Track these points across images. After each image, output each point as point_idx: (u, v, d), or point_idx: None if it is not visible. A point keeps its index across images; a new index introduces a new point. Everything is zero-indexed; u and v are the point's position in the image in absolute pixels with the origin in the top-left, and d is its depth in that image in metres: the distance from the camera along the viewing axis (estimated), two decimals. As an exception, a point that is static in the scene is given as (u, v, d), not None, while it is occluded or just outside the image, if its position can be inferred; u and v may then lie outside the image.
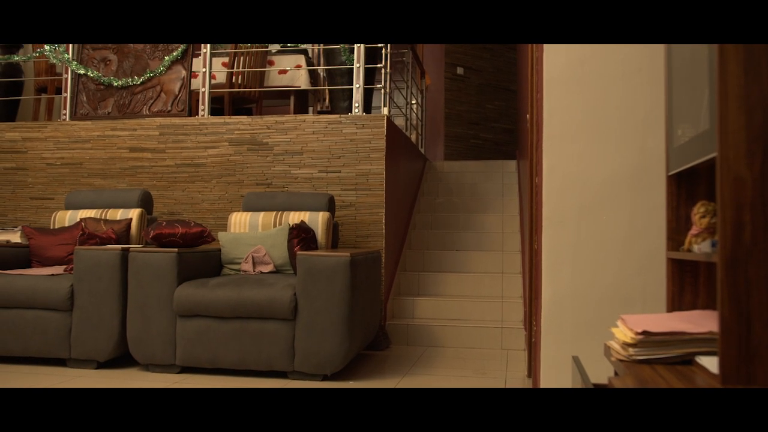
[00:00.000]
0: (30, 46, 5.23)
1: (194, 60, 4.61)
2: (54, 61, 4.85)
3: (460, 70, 7.87)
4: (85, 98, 4.67)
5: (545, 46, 2.43)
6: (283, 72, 5.21)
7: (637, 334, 1.40)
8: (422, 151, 6.40)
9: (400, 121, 5.58)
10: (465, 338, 4.09)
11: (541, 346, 2.34)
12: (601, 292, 2.32)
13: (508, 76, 8.01)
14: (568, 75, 2.41)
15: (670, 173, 1.68)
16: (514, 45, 7.73)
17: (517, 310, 4.28)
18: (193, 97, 4.58)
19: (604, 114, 2.36)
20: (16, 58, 4.95)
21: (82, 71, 4.65)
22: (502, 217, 5.43)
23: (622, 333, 1.49)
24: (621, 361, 1.44)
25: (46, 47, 4.71)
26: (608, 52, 2.35)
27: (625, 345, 1.45)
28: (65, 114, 4.67)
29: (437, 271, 4.79)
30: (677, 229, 1.70)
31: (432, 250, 5.05)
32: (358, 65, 4.33)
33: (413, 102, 5.90)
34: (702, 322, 1.43)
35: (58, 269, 3.56)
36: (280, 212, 3.76)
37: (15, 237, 3.99)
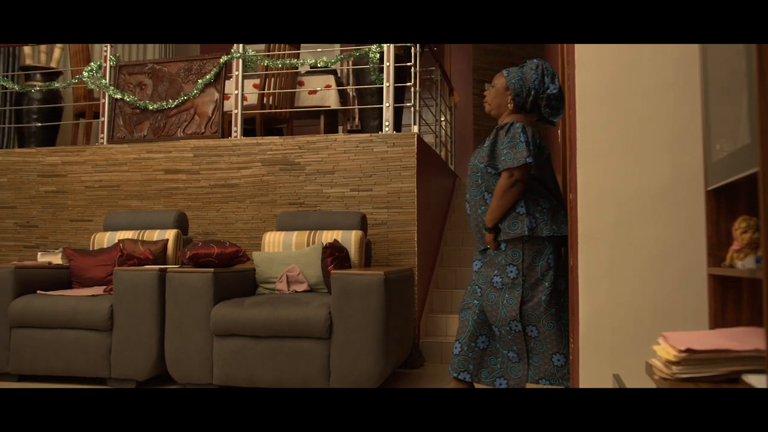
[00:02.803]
0: (69, 72, 5.40)
1: (226, 82, 4.70)
2: (92, 87, 4.98)
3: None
4: (121, 122, 4.78)
5: (577, 61, 2.43)
6: (313, 92, 5.28)
7: (681, 351, 1.39)
8: (452, 167, 6.41)
9: (429, 138, 5.60)
10: (499, 356, 4.05)
11: (579, 364, 2.32)
12: (640, 308, 2.29)
13: (536, 91, 7.99)
14: (600, 90, 2.40)
15: (710, 188, 1.67)
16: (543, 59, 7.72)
17: (551, 326, 4.23)
18: (225, 118, 4.67)
19: (638, 129, 2.35)
20: (56, 85, 5.10)
21: (118, 96, 4.77)
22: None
23: (665, 351, 1.48)
24: (664, 379, 1.42)
25: (85, 73, 4.84)
26: (640, 67, 2.34)
27: (668, 363, 1.43)
28: (103, 138, 4.79)
29: (469, 288, 4.77)
30: (717, 244, 1.68)
31: (464, 266, 5.03)
32: (387, 84, 4.37)
33: (442, 119, 5.92)
34: (747, 339, 1.41)
35: (98, 290, 3.63)
36: (313, 231, 3.79)
37: (56, 258, 4.09)
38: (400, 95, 4.54)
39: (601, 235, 2.34)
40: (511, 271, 2.64)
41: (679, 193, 2.27)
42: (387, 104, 4.35)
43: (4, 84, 5.04)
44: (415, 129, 4.35)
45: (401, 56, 4.53)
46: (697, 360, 1.38)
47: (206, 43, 6.56)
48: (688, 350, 1.38)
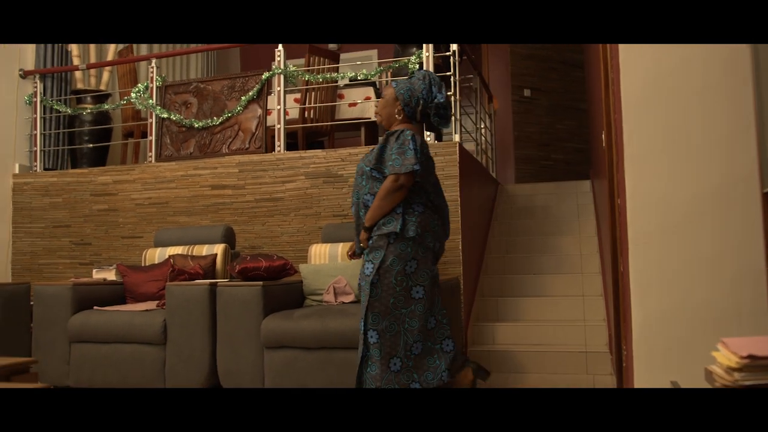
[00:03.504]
0: (117, 94, 5.57)
1: (268, 98, 4.78)
2: (139, 107, 5.13)
3: (527, 92, 7.83)
4: (168, 140, 4.91)
5: (621, 65, 2.41)
6: (353, 104, 5.33)
7: (742, 358, 1.36)
8: (493, 174, 6.38)
9: (470, 146, 5.60)
10: (548, 364, 4.01)
11: (634, 371, 2.29)
12: (694, 313, 2.25)
13: (577, 95, 7.90)
14: (646, 93, 2.38)
15: (766, 190, 1.64)
16: (581, 63, 7.65)
17: (600, 333, 4.18)
18: (268, 133, 4.75)
19: (686, 131, 2.31)
20: (106, 107, 5.27)
21: (165, 115, 4.90)
22: (579, 239, 5.33)
23: (725, 357, 1.45)
24: (726, 386, 1.40)
25: (132, 94, 4.99)
26: (686, 68, 2.31)
27: (730, 370, 1.40)
28: (151, 156, 4.92)
29: (516, 296, 4.74)
30: (776, 247, 1.64)
31: (509, 274, 5.00)
32: (427, 94, 4.38)
33: (482, 126, 5.91)
34: (812, 344, 1.38)
35: (151, 305, 3.73)
36: (352, 243, 3.82)
37: (110, 275, 4.21)
38: (440, 104, 4.55)
39: (651, 240, 2.30)
40: (368, 268, 2.71)
41: (732, 195, 2.22)
42: (427, 114, 4.36)
43: (58, 108, 5.23)
44: (457, 138, 4.35)
45: (440, 65, 4.55)
46: (760, 366, 1.35)
47: (247, 44, 6.59)
48: (750, 356, 1.35)
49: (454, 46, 4.48)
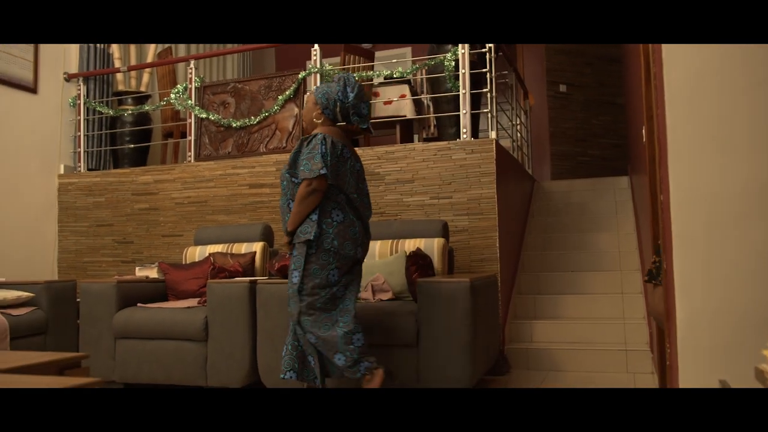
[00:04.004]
0: (157, 95, 5.67)
1: (305, 97, 4.82)
2: (179, 108, 5.23)
3: (562, 88, 7.75)
4: (207, 140, 4.99)
5: (664, 59, 2.38)
6: (388, 103, 5.34)
7: (797, 356, 1.34)
8: (529, 171, 6.33)
9: (505, 143, 5.56)
10: (587, 362, 3.98)
11: (678, 370, 2.26)
12: (740, 311, 2.20)
13: (613, 90, 7.79)
14: (690, 88, 2.33)
15: (819, 185, 1.60)
16: (618, 57, 7.53)
17: (641, 331, 4.12)
18: (304, 132, 4.78)
19: (731, 127, 2.27)
20: (146, 108, 5.38)
21: (204, 115, 4.98)
22: (617, 236, 5.27)
23: (778, 355, 1.43)
24: (779, 385, 1.37)
25: (172, 95, 5.08)
26: (730, 64, 2.26)
27: (783, 368, 1.38)
28: (190, 156, 5.01)
29: (553, 294, 4.70)
30: (830, 243, 1.60)
31: (546, 272, 4.97)
32: (464, 91, 4.38)
33: (518, 123, 5.87)
34: None
35: (192, 302, 3.79)
36: (395, 240, 3.83)
37: (153, 273, 4.30)
38: (475, 101, 4.54)
39: (696, 237, 2.26)
40: (295, 276, 2.76)
41: (780, 191, 2.17)
42: (464, 111, 4.36)
43: (100, 109, 5.35)
44: (493, 135, 4.33)
45: (476, 62, 4.53)
46: (815, 365, 1.32)
47: (284, 44, 6.63)
48: (804, 355, 1.33)
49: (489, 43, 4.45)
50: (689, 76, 2.32)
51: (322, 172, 2.65)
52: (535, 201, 6.06)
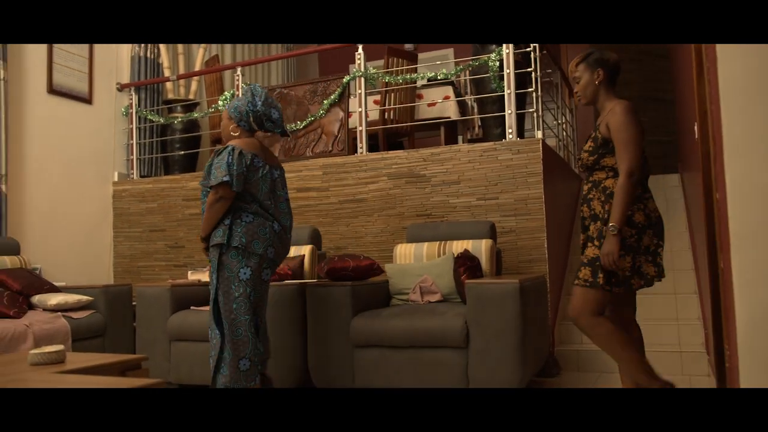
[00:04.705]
0: (205, 103, 5.80)
1: (349, 100, 4.87)
2: (227, 115, 5.32)
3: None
4: (255, 146, 5.07)
5: (718, 55, 2.33)
6: (432, 104, 5.35)
7: None
8: (576, 170, 6.25)
9: (551, 142, 5.50)
10: (640, 363, 3.90)
11: (739, 371, 2.20)
12: (804, 311, 2.14)
13: (660, 86, 7.63)
14: (745, 83, 2.28)
15: None
16: (665, 53, 7.38)
17: (695, 333, 4.03)
18: (350, 135, 4.83)
19: (791, 120, 2.21)
20: (195, 115, 5.50)
21: (251, 121, 5.06)
22: (668, 235, 5.13)
23: None
24: None
25: (220, 102, 5.19)
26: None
27: None
28: (238, 161, 5.09)
29: (603, 294, 4.62)
30: None
31: (595, 272, 4.89)
32: (509, 91, 4.35)
33: (563, 121, 5.81)
34: None
35: (244, 304, 3.86)
36: (443, 242, 3.84)
37: (204, 276, 4.40)
38: (520, 100, 4.51)
39: (755, 235, 2.21)
40: (212, 277, 2.90)
41: (844, 187, 2.10)
42: (509, 111, 4.34)
43: (151, 118, 5.50)
44: (539, 134, 4.30)
45: (520, 62, 4.50)
46: None
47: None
48: None
49: (534, 42, 4.42)
50: (744, 71, 2.27)
51: (225, 179, 2.78)
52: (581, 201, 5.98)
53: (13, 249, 4.23)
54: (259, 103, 2.96)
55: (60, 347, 2.31)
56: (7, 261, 4.09)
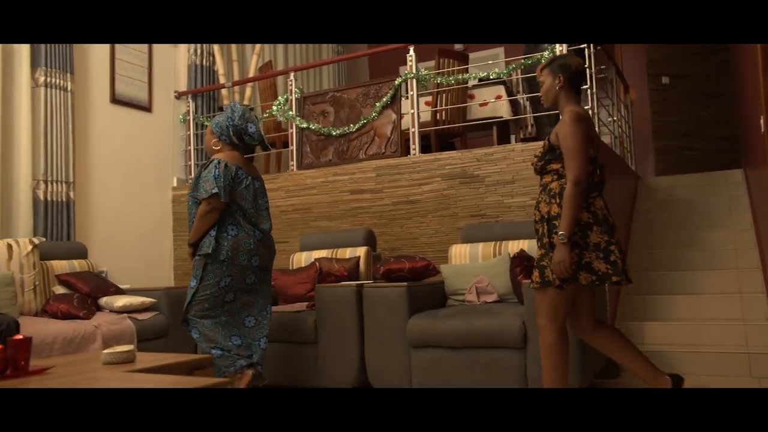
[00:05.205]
0: (259, 108, 5.91)
1: (401, 102, 4.89)
2: (281, 119, 5.43)
3: (665, 80, 7.44)
4: (308, 149, 5.16)
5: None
6: (484, 104, 5.32)
7: None
8: (632, 167, 6.12)
9: (606, 139, 5.40)
10: (705, 365, 3.80)
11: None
12: None
13: (721, 80, 7.39)
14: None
15: None
16: (725, 46, 7.15)
17: (764, 333, 3.89)
18: (402, 137, 4.85)
19: None
20: (250, 120, 5.61)
21: (304, 125, 5.15)
22: (732, 233, 4.99)
23: None
24: None
25: (274, 107, 5.29)
26: None
27: None
28: (293, 165, 5.19)
29: (664, 294, 4.52)
30: None
31: (655, 271, 4.78)
32: (563, 89, 4.29)
33: (618, 118, 5.69)
34: None
35: (301, 306, 3.93)
36: (498, 242, 3.82)
37: (262, 278, 4.48)
38: (575, 98, 4.44)
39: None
40: (192, 281, 3.12)
41: None
42: (563, 109, 4.27)
43: (208, 124, 5.63)
44: (595, 131, 4.22)
45: (574, 59, 4.43)
46: None
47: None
48: None
49: (588, 38, 4.35)
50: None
51: (214, 191, 3.01)
52: (639, 198, 5.85)
53: (81, 253, 4.40)
54: (237, 117, 3.19)
55: (130, 347, 2.40)
56: (76, 265, 4.26)
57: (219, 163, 3.08)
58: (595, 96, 4.33)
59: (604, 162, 2.76)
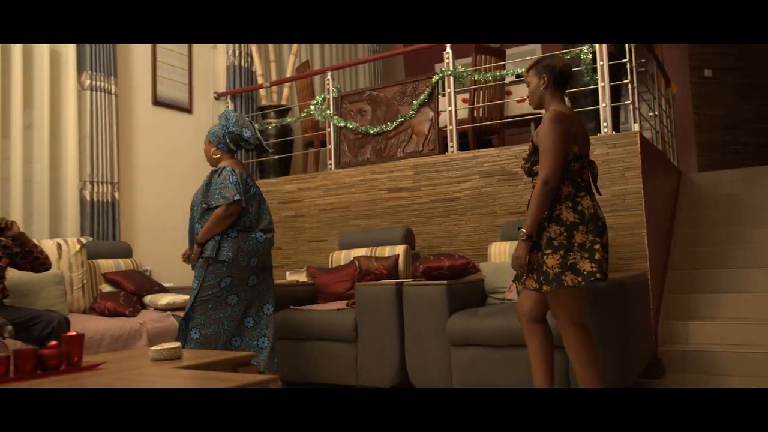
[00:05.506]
0: (297, 107, 5.97)
1: (439, 99, 4.88)
2: (318, 118, 5.47)
3: (707, 72, 7.27)
4: (346, 147, 5.19)
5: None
6: (521, 101, 5.28)
7: None
8: (674, 162, 6.01)
9: (647, 134, 5.31)
10: (753, 366, 3.71)
11: None
12: None
13: (763, 71, 7.19)
14: None
15: None
16: (771, 36, 6.94)
17: (814, 332, 3.78)
18: (440, 135, 4.84)
19: None
20: (288, 120, 5.68)
21: (342, 124, 5.18)
22: (779, 229, 4.86)
23: None
24: None
25: (312, 106, 5.33)
26: None
27: None
28: (331, 163, 5.23)
29: (709, 292, 4.43)
30: None
31: (699, 269, 4.68)
32: (602, 84, 4.24)
33: (659, 112, 5.59)
34: None
35: (341, 304, 3.96)
36: (538, 240, 3.78)
37: (302, 276, 4.54)
38: (614, 93, 4.38)
39: None
40: (194, 282, 3.22)
41: None
42: (604, 104, 4.22)
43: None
44: (636, 127, 4.16)
45: (614, 54, 4.37)
46: None
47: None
48: None
49: (629, 32, 4.28)
50: None
51: (236, 198, 3.12)
52: (682, 194, 5.74)
53: (126, 252, 4.51)
54: (231, 124, 3.29)
55: (177, 344, 2.45)
56: (122, 263, 4.36)
57: (233, 170, 3.20)
58: (635, 90, 4.26)
59: (594, 160, 2.81)
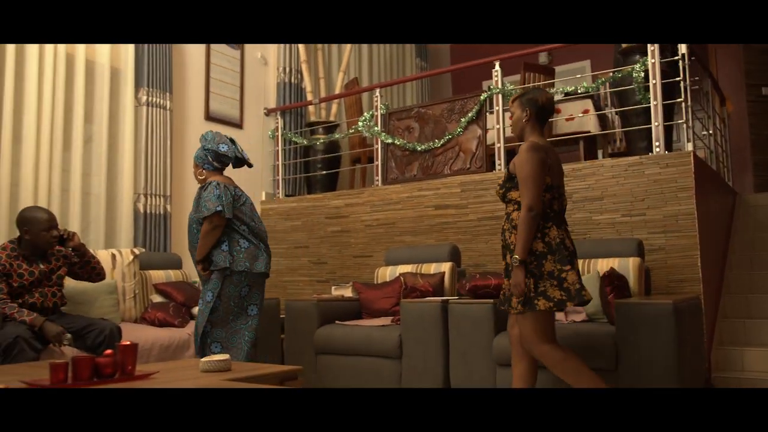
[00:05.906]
0: (345, 124, 6.04)
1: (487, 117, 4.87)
2: (366, 135, 5.52)
3: (765, 91, 7.07)
4: (393, 164, 5.21)
5: None
6: (570, 119, 5.23)
7: None
8: (730, 183, 5.85)
9: (701, 153, 5.18)
10: (813, 395, 3.55)
11: None
12: None
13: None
14: None
15: None
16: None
17: None
18: (487, 152, 4.83)
19: None
20: (336, 136, 5.75)
21: (389, 140, 5.21)
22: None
23: None
24: None
25: (360, 123, 5.38)
26: None
27: None
28: (378, 180, 5.26)
29: (765, 318, 4.27)
30: None
31: (756, 293, 4.53)
32: (655, 103, 4.17)
33: (711, 132, 5.45)
34: None
35: (386, 320, 3.96)
36: (586, 260, 3.72)
37: (347, 292, 4.56)
38: (667, 111, 4.30)
39: None
40: (208, 295, 3.22)
41: None
42: (656, 123, 4.15)
43: (295, 140, 5.81)
44: (690, 147, 4.07)
45: (666, 72, 4.30)
46: None
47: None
48: None
49: (683, 48, 4.21)
50: None
51: (218, 209, 3.16)
52: (737, 216, 5.57)
53: (176, 264, 4.61)
54: (208, 143, 3.36)
55: (226, 356, 2.49)
56: (171, 275, 4.46)
57: (218, 184, 3.25)
58: (689, 109, 4.17)
59: (565, 192, 2.86)
